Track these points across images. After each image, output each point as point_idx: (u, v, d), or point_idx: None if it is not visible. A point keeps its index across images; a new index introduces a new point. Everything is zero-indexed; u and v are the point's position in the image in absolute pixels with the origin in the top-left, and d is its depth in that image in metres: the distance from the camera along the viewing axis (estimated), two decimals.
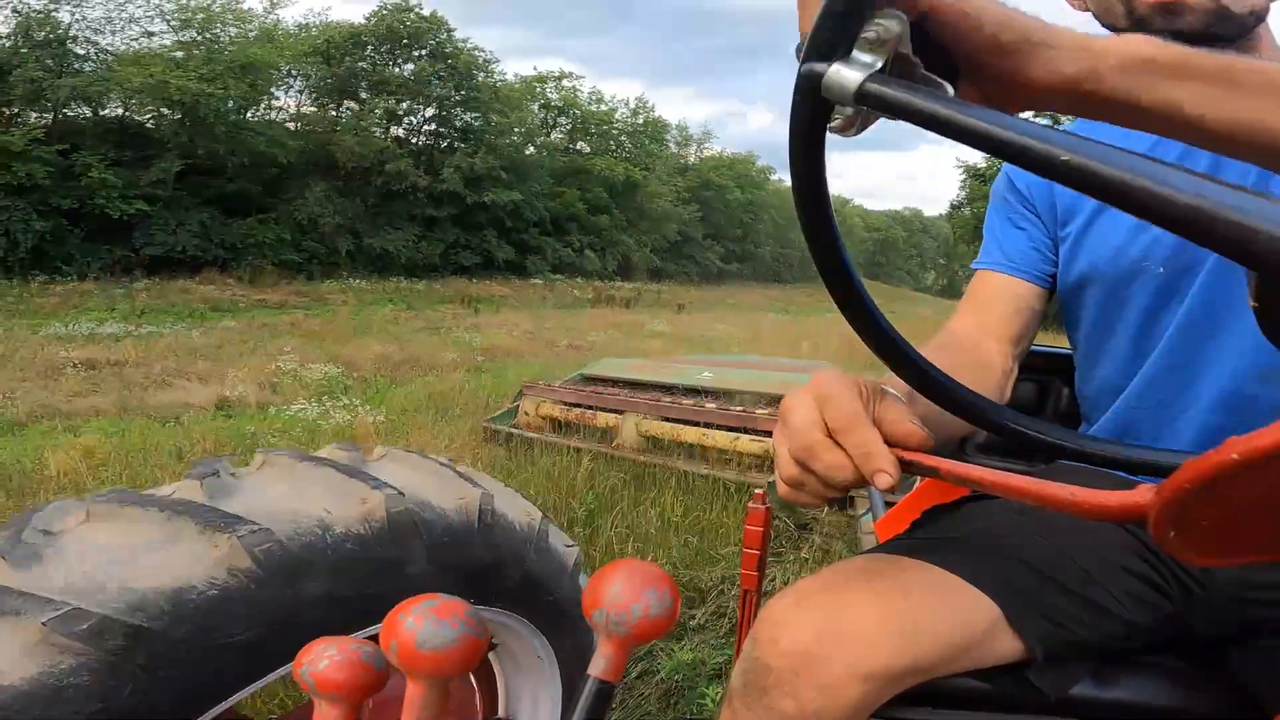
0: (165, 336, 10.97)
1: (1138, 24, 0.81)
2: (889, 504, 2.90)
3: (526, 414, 4.34)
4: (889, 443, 0.54)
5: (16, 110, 19.13)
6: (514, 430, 4.22)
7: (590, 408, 4.13)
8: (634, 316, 19.12)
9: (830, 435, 0.55)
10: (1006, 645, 0.69)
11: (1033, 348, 1.00)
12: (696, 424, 3.70)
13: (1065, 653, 0.71)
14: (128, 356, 8.41)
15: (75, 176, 17.72)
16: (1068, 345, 1.09)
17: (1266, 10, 0.79)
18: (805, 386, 0.58)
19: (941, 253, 74.48)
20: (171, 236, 18.76)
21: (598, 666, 0.47)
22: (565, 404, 4.23)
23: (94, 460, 3.95)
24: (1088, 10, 0.88)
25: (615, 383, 4.59)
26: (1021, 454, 1.13)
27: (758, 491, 1.21)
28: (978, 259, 1.00)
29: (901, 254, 72.16)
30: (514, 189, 27.36)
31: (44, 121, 18.65)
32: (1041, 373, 1.21)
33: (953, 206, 31.08)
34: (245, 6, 23.37)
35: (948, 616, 0.66)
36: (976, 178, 28.32)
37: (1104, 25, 0.86)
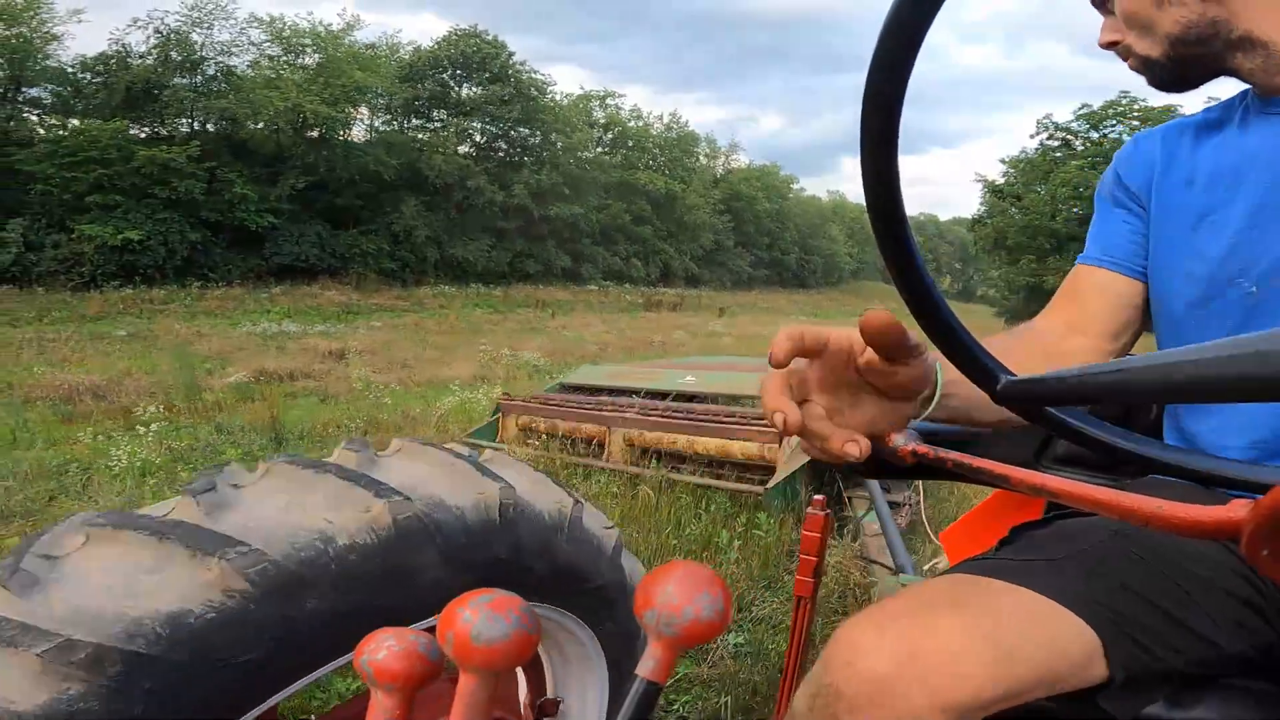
0: (335, 334, 13.44)
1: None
2: (893, 504, 3.08)
3: (507, 429, 4.26)
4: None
5: (164, 128, 21.42)
6: (498, 446, 4.09)
7: (577, 420, 3.99)
8: (686, 319, 21.35)
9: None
10: (1094, 671, 0.64)
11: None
12: (684, 431, 3.60)
13: (1146, 678, 0.66)
14: (358, 347, 10.89)
15: (217, 191, 20.10)
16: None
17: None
18: None
19: (957, 257, 76.36)
20: (296, 247, 21.36)
21: (646, 667, 0.47)
22: (550, 417, 4.11)
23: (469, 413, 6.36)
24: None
25: (597, 390, 4.49)
26: (1105, 466, 1.00)
27: (817, 498, 1.14)
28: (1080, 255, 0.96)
29: None
30: (574, 203, 30.26)
31: (194, 141, 20.67)
32: None
33: (974, 220, 32.77)
34: (323, 28, 25.41)
35: (1044, 644, 0.61)
36: (995, 193, 30.47)
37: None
